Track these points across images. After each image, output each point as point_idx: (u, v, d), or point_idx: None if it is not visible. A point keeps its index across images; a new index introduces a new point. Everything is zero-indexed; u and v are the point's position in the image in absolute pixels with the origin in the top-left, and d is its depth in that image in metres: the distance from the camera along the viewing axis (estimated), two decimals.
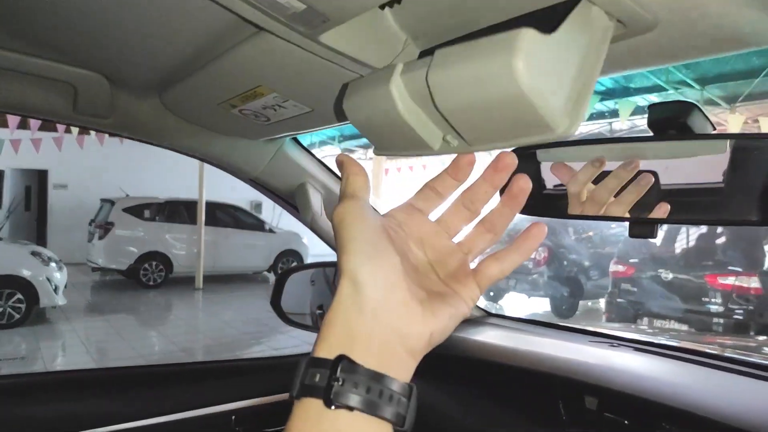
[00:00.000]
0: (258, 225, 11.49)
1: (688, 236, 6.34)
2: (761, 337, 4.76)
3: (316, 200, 1.19)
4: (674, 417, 0.86)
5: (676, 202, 0.52)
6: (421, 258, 0.41)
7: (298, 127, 0.89)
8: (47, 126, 9.29)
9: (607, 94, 8.59)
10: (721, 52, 0.42)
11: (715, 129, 0.60)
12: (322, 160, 1.23)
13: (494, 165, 0.40)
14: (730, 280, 5.21)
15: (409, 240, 0.41)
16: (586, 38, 0.36)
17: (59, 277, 6.95)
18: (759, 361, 1.20)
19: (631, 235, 0.63)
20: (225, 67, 0.67)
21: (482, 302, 8.75)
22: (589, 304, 8.49)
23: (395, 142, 0.46)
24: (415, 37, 0.50)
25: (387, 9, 0.47)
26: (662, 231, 6.61)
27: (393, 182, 16.84)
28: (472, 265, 0.42)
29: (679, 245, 6.36)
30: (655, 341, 1.42)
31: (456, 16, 0.43)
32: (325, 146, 16.26)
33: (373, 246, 0.37)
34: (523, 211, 0.63)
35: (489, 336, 1.40)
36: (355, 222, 0.37)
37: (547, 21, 0.36)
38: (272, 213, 12.44)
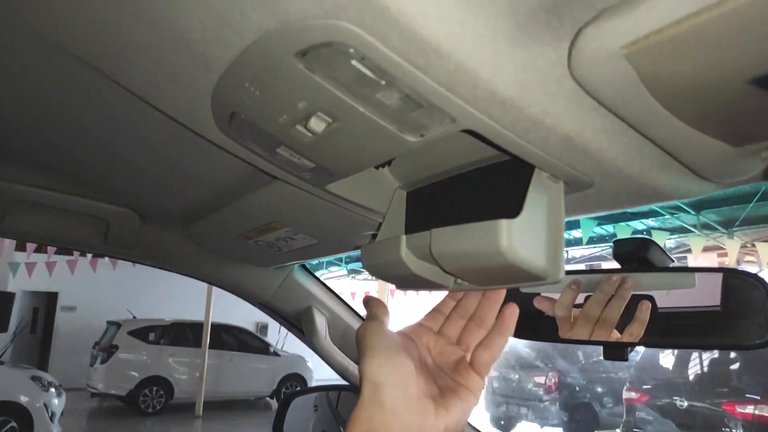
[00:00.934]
0: (263, 348, 11.28)
1: (701, 361, 6.18)
2: None
3: (321, 323, 1.28)
4: None
5: (664, 326, 0.60)
6: (429, 361, 0.50)
7: (307, 255, 1.01)
8: (62, 249, 9.58)
9: (606, 219, 8.82)
10: (650, 203, 0.52)
11: (674, 262, 0.70)
12: (328, 282, 1.33)
13: (500, 316, 0.49)
14: (750, 409, 5.00)
15: (419, 348, 0.50)
16: (545, 201, 0.46)
17: (57, 403, 6.74)
18: None
19: (606, 357, 0.70)
20: (243, 207, 0.80)
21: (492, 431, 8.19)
22: None
23: (412, 285, 0.56)
24: (402, 186, 0.63)
25: (380, 168, 0.61)
26: (673, 356, 6.45)
27: (399, 302, 16.72)
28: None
29: (693, 371, 6.18)
30: None
31: (433, 168, 0.57)
32: (333, 267, 16.41)
33: (389, 352, 0.45)
34: (517, 335, 0.72)
35: None
36: (375, 335, 0.46)
37: (512, 194, 0.47)
38: (278, 335, 12.25)
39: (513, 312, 0.49)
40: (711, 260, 9.65)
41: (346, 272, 17.12)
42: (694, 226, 9.20)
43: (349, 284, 17.05)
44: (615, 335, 0.63)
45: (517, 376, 8.56)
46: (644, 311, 0.59)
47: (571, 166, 0.44)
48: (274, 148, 0.53)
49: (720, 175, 0.43)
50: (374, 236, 0.82)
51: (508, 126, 0.39)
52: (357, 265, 17.10)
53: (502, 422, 8.62)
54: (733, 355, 5.82)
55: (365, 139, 0.47)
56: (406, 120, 0.42)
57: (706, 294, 0.56)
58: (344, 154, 0.51)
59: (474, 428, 1.61)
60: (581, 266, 11.55)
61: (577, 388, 8.08)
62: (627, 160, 0.42)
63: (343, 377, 1.30)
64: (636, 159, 0.42)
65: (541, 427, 8.15)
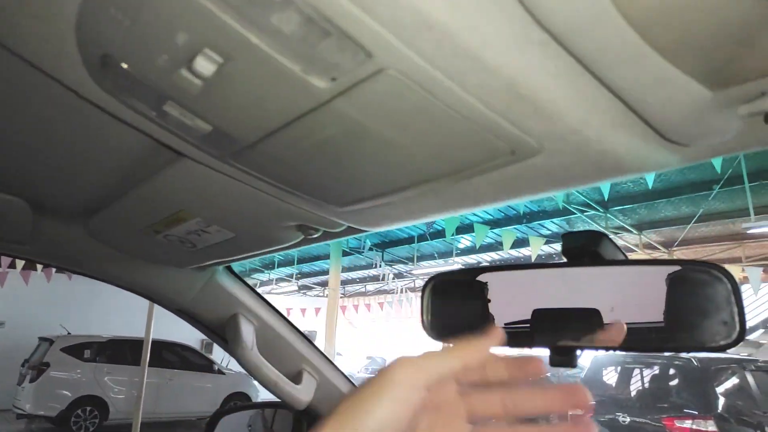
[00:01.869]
0: (206, 366, 10.89)
1: (642, 378, 6.33)
2: None
3: (248, 333, 1.16)
4: None
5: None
6: None
7: (226, 254, 0.90)
8: None
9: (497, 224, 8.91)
10: (607, 178, 0.45)
11: (626, 257, 0.64)
12: (277, 299, 1.22)
13: (524, 368, 0.40)
14: (687, 424, 5.12)
15: None
16: None
17: None
18: None
19: (552, 364, 0.63)
20: (147, 193, 0.69)
21: None
22: None
23: None
24: None
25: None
26: (616, 373, 6.59)
27: (350, 320, 16.56)
28: None
29: (635, 387, 6.32)
30: None
31: None
32: (282, 282, 16.12)
33: None
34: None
35: None
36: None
37: None
38: (223, 352, 11.86)
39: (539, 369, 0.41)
40: None
41: (296, 288, 16.86)
42: (637, 246, 9.53)
43: (299, 301, 16.75)
44: (560, 338, 0.56)
45: None
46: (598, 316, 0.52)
47: (516, 123, 0.36)
48: (160, 104, 0.44)
49: (689, 136, 0.36)
50: (303, 229, 0.73)
51: (440, 65, 0.31)
52: (310, 281, 16.91)
53: None
54: (672, 371, 5.98)
55: (264, 86, 0.38)
56: (312, 56, 0.33)
57: (668, 291, 0.50)
58: (243, 109, 0.42)
59: None
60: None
61: None
62: (582, 117, 0.35)
63: (273, 392, 1.18)
64: (593, 115, 0.35)
65: None
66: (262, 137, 0.45)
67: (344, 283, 17.07)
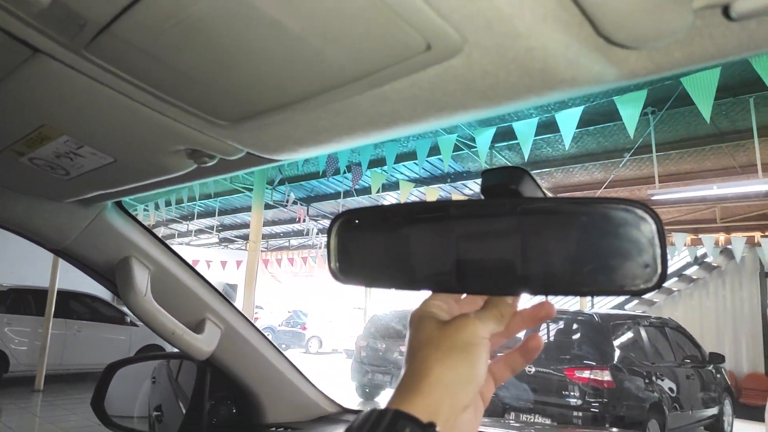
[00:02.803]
0: (118, 318, 10.47)
1: (548, 332, 6.74)
2: (614, 430, 5.00)
3: (141, 277, 1.05)
4: None
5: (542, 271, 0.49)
6: None
7: (108, 184, 0.79)
8: None
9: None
10: (537, 94, 0.39)
11: (545, 195, 0.60)
12: (196, 252, 1.12)
13: (535, 314, 0.47)
14: (586, 374, 5.52)
15: None
16: None
17: None
18: None
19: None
20: (1, 102, 0.57)
21: (356, 399, 8.44)
22: None
23: None
24: None
25: None
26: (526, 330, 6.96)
27: (274, 274, 16.42)
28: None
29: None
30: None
31: None
32: (202, 234, 15.61)
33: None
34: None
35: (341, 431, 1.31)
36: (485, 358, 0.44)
37: None
38: None
39: (540, 344, 0.49)
40: None
41: (217, 241, 16.41)
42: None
43: (219, 253, 16.34)
44: (492, 289, 0.52)
45: (384, 346, 8.76)
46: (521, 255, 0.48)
47: (433, 4, 0.29)
48: None
49: (636, 35, 0.30)
50: (195, 156, 0.63)
51: None
52: (232, 234, 16.47)
53: (368, 390, 8.81)
54: (575, 326, 6.40)
55: None
56: None
57: (588, 231, 0.46)
58: None
59: (332, 401, 1.50)
60: None
61: None
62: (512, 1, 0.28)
63: (171, 342, 1.09)
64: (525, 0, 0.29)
65: None
66: (116, 15, 0.35)
67: (268, 237, 16.82)
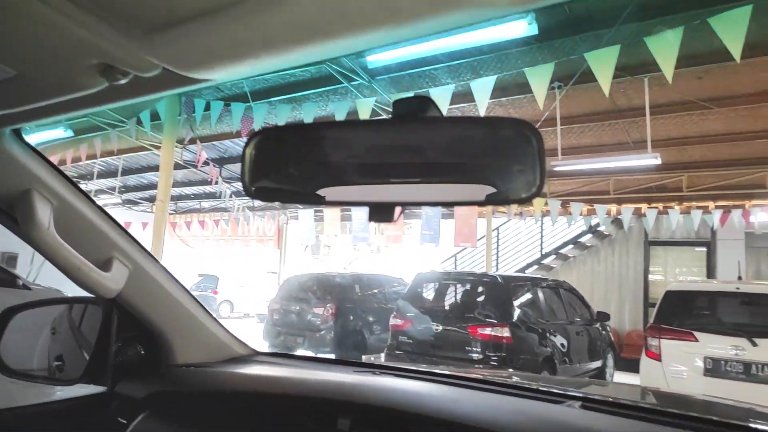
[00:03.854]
0: (9, 280, 9.68)
1: (455, 293, 7.09)
2: (510, 370, 5.41)
3: (43, 211, 1.01)
4: (421, 424, 0.89)
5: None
6: None
7: (7, 103, 0.74)
8: None
9: None
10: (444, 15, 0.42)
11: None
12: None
13: None
14: (488, 331, 5.89)
15: None
16: None
17: None
18: (496, 379, 1.33)
19: (371, 219, 0.62)
20: None
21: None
22: (372, 358, 8.81)
23: None
24: None
25: None
26: (434, 290, 7.27)
27: (183, 237, 15.80)
28: None
29: (448, 301, 7.07)
30: (417, 368, 1.50)
31: None
32: (103, 195, 14.66)
33: None
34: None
35: (252, 370, 1.34)
36: None
37: None
38: (30, 266, 10.66)
39: None
40: (473, 209, 10.97)
41: (120, 201, 15.47)
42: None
43: (123, 214, 15.42)
44: (380, 195, 0.57)
45: (297, 308, 8.80)
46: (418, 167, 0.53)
47: None
48: None
49: None
50: (106, 72, 0.61)
51: None
52: (135, 195, 15.57)
53: (277, 351, 8.85)
54: (480, 288, 6.78)
55: None
56: None
57: (481, 145, 0.52)
58: None
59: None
60: None
61: (352, 318, 8.65)
62: None
63: (76, 280, 1.06)
64: None
65: (316, 354, 8.57)
66: None
67: (177, 199, 16.09)
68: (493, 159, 0.50)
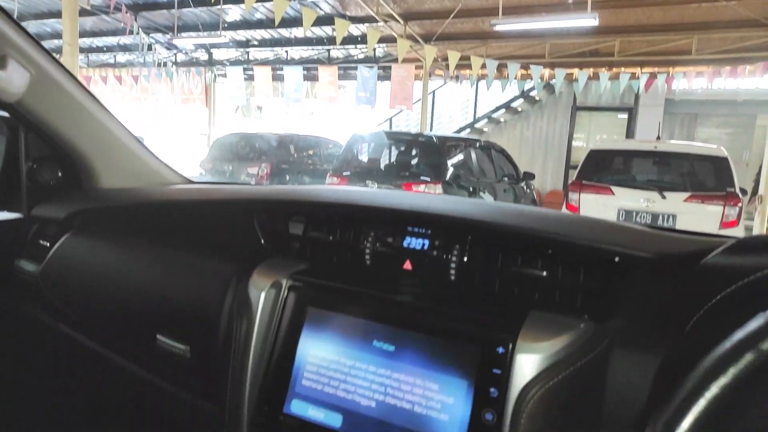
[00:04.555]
0: None
1: (390, 153, 7.14)
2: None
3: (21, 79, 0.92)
4: (383, 215, 0.89)
5: None
6: None
7: None
8: None
9: None
10: None
11: None
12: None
13: None
14: (421, 188, 6.06)
15: None
16: None
17: None
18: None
19: None
20: None
21: None
22: None
23: None
24: None
25: None
26: (369, 151, 7.28)
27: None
28: None
29: (384, 161, 7.13)
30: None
31: None
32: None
33: None
34: None
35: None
36: None
37: None
38: None
39: None
40: (410, 71, 10.73)
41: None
42: (401, 36, 9.90)
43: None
44: None
45: (230, 168, 8.62)
46: None
47: None
48: None
49: None
50: None
51: None
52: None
53: None
54: (415, 149, 6.85)
55: None
56: None
57: None
58: None
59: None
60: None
61: (288, 178, 8.61)
62: None
63: None
64: None
65: None
66: None
67: (87, 51, 14.61)
68: None
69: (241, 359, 0.91)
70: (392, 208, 0.82)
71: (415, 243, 0.84)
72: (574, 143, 12.27)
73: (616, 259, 0.69)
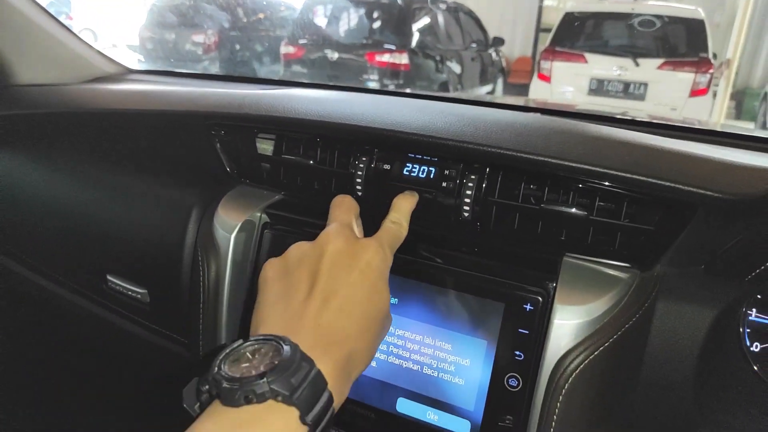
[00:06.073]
0: None
1: (349, 18, 6.56)
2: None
3: None
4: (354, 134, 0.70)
5: None
6: None
7: None
8: None
9: None
10: None
11: None
12: None
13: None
14: (386, 57, 5.67)
15: None
16: None
17: None
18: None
19: None
20: None
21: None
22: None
23: None
24: None
25: None
26: (328, 15, 6.66)
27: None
28: None
29: (343, 27, 6.56)
30: (335, 84, 1.28)
31: None
32: None
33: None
34: None
35: (122, 87, 1.05)
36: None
37: None
38: None
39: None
40: None
41: None
42: None
43: None
44: None
45: (173, 37, 7.84)
46: None
47: None
48: None
49: None
50: None
51: None
52: None
53: None
54: (377, 13, 6.29)
55: None
56: None
57: None
58: None
59: None
60: None
61: (238, 47, 7.94)
62: None
63: None
64: None
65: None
66: None
67: None
68: None
69: (213, 307, 0.77)
70: (395, 131, 0.63)
71: (419, 171, 0.68)
72: (546, 2, 11.60)
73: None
